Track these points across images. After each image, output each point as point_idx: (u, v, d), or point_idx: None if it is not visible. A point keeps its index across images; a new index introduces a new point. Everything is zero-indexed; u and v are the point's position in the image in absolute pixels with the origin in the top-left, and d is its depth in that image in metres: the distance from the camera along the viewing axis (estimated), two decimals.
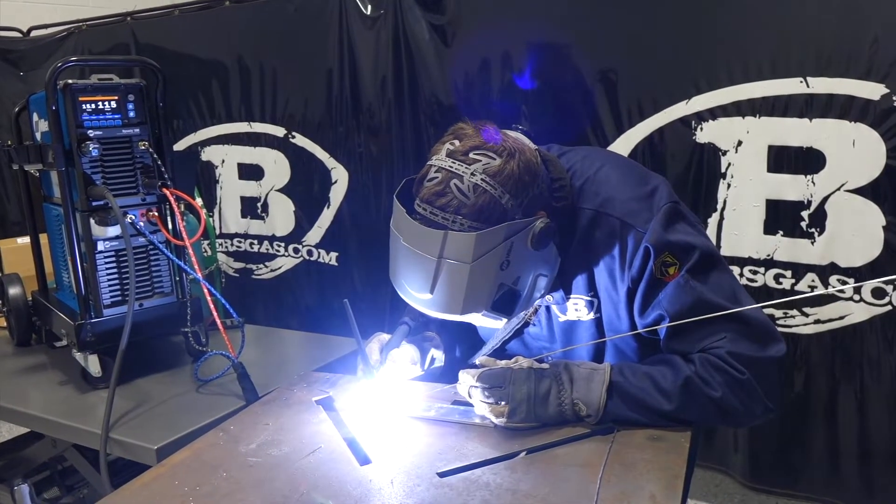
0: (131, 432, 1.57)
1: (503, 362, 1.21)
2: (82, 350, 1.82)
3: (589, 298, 1.29)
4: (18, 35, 3.52)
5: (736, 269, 2.20)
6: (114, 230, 1.75)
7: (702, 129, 2.18)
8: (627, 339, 1.27)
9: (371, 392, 1.30)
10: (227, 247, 3.28)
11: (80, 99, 1.74)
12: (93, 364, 1.83)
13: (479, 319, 1.20)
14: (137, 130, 1.81)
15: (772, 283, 2.16)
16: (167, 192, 1.78)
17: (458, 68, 2.57)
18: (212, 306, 1.75)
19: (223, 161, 3.17)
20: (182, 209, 2.48)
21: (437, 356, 1.47)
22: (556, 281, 1.27)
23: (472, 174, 1.11)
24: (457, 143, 1.15)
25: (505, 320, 1.22)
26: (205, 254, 2.90)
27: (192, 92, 3.16)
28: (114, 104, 1.77)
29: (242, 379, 1.74)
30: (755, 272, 2.18)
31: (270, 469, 1.06)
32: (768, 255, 2.15)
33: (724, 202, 2.19)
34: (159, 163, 1.80)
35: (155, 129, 1.84)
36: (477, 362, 1.23)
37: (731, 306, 1.14)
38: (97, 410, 1.63)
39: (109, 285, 1.81)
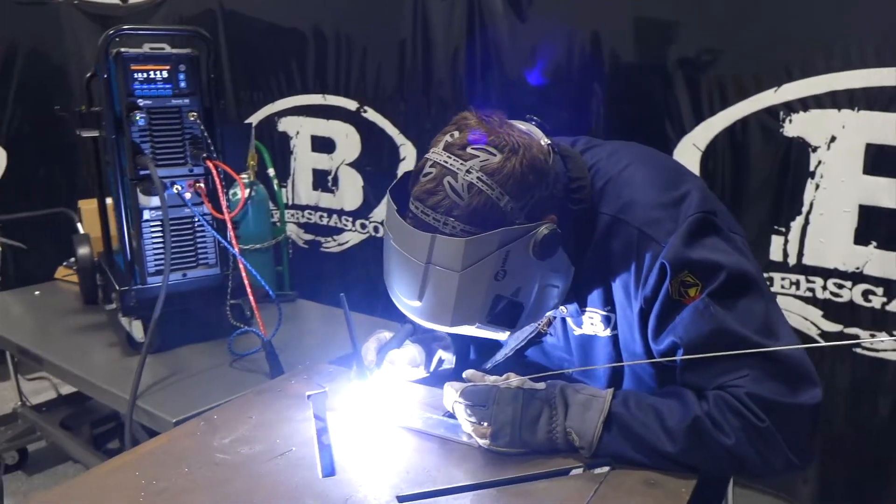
0: (157, 402, 1.59)
1: (492, 378, 1.10)
2: (126, 315, 1.86)
3: (605, 313, 1.16)
4: (118, 2, 3.65)
5: (818, 282, 1.98)
6: (158, 200, 1.77)
7: (791, 121, 1.95)
8: (644, 363, 1.13)
9: (362, 395, 1.23)
10: (298, 218, 3.30)
11: (132, 68, 1.75)
12: (136, 329, 1.87)
13: (476, 332, 1.09)
14: (187, 101, 1.80)
15: (859, 300, 1.93)
16: (210, 164, 1.78)
17: (530, 44, 2.43)
18: (246, 282, 1.74)
19: (297, 133, 3.17)
20: (248, 181, 2.51)
21: (447, 357, 1.37)
22: (570, 292, 1.15)
23: (467, 171, 1.00)
24: (457, 134, 1.04)
25: (507, 333, 1.11)
26: (277, 224, 2.94)
27: (271, 62, 3.17)
28: (165, 74, 1.78)
29: (270, 357, 1.72)
30: (840, 286, 1.95)
31: (233, 469, 1.02)
32: (857, 269, 1.92)
33: (811, 205, 1.96)
34: (206, 134, 1.79)
35: (205, 100, 1.84)
36: (464, 375, 1.13)
37: (759, 340, 0.99)
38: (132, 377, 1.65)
39: (155, 253, 1.84)
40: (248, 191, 2.48)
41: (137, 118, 1.73)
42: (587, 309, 1.18)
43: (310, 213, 3.26)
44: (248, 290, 1.74)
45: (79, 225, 2.67)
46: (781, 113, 1.96)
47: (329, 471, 1.01)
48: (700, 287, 1.01)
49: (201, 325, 1.93)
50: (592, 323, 1.19)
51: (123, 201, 1.81)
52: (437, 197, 1.00)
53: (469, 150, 1.01)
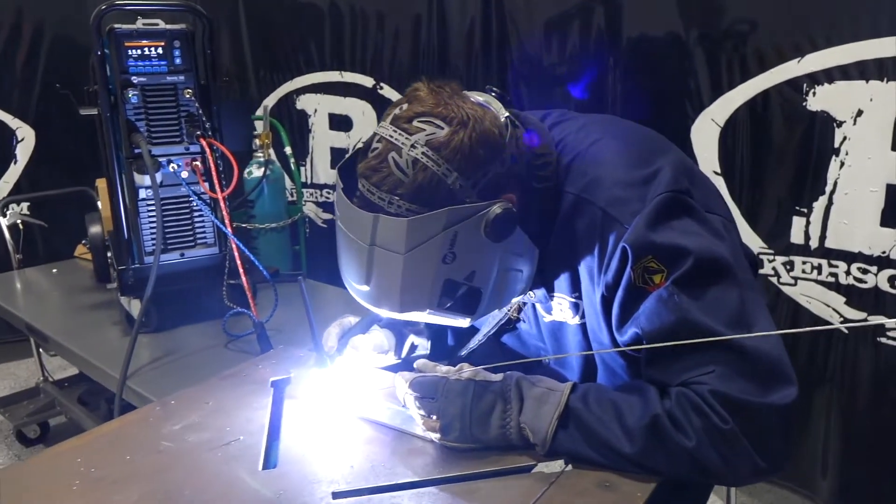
0: (146, 383, 1.59)
1: (444, 368, 1.04)
2: (124, 294, 1.87)
3: (573, 300, 1.09)
4: None
5: (842, 267, 1.86)
6: (149, 178, 1.75)
7: (814, 93, 1.82)
8: (614, 354, 1.06)
9: (321, 383, 1.18)
10: (316, 197, 3.28)
11: (126, 44, 1.73)
12: (135, 308, 1.86)
13: (430, 318, 1.03)
14: (182, 78, 1.78)
15: (885, 287, 1.80)
16: (203, 142, 1.75)
17: (545, 17, 2.34)
18: (238, 262, 1.72)
19: (315, 111, 3.14)
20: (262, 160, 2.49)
21: (420, 343, 1.31)
22: (536, 277, 1.08)
23: (412, 146, 0.94)
24: (405, 106, 0.97)
25: (467, 321, 1.04)
26: (295, 203, 2.92)
27: (290, 40, 3.14)
28: (160, 50, 1.75)
29: (261, 340, 1.70)
30: (865, 271, 1.83)
31: (175, 458, 0.99)
32: (883, 252, 1.79)
33: (835, 184, 1.84)
34: (201, 112, 1.77)
35: (201, 77, 1.81)
36: (415, 365, 1.07)
37: (728, 333, 0.90)
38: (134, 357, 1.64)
39: (151, 233, 1.82)
40: (263, 170, 2.48)
41: (131, 95, 1.72)
42: (555, 294, 1.11)
43: (328, 192, 3.24)
44: (241, 270, 1.72)
45: (98, 203, 2.70)
46: (805, 85, 1.84)
47: (271, 463, 0.97)
48: (665, 274, 0.93)
49: (201, 305, 1.92)
50: (561, 309, 1.12)
51: (119, 180, 1.80)
52: (381, 174, 0.94)
53: (415, 123, 0.95)
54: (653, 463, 0.92)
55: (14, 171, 3.45)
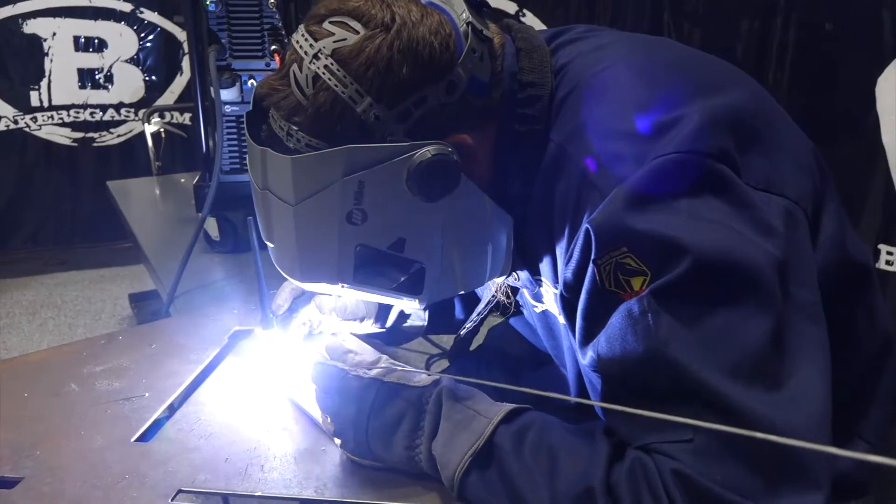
0: (185, 306, 1.54)
1: (357, 358, 0.81)
2: (199, 211, 1.83)
3: (557, 291, 0.80)
4: None
5: None
6: (228, 93, 1.67)
7: None
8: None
9: (261, 349, 1.01)
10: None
11: None
12: (211, 227, 1.84)
13: (365, 296, 0.81)
14: None
15: None
16: (278, 60, 1.63)
17: None
18: None
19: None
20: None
21: (413, 311, 1.05)
22: (516, 254, 0.82)
23: (314, 57, 0.70)
24: (329, 2, 0.73)
25: (416, 303, 0.80)
26: None
27: None
28: None
29: None
30: None
31: (65, 406, 0.88)
32: None
33: None
34: (281, 25, 1.65)
35: None
36: (325, 346, 0.85)
37: (727, 389, 0.59)
38: (197, 275, 1.60)
39: (229, 151, 1.77)
40: None
41: (208, 2, 1.63)
42: (542, 279, 0.84)
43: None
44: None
45: None
46: None
47: (147, 436, 0.84)
48: (648, 278, 0.63)
49: None
50: (552, 299, 0.84)
51: (200, 93, 1.74)
52: (279, 94, 0.73)
53: (326, 24, 0.72)
54: None
55: (179, 82, 3.63)
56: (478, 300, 0.99)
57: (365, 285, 0.78)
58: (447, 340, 1.14)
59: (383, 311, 1.02)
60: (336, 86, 0.70)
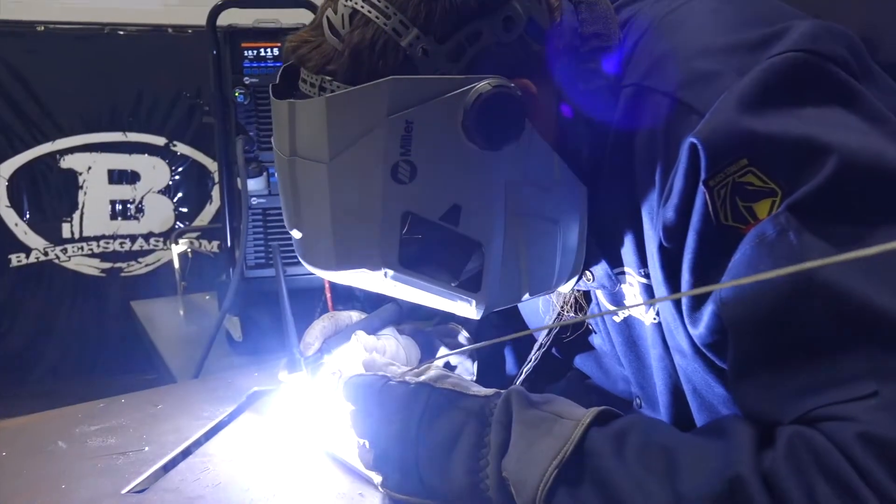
0: None
1: (404, 369, 0.67)
2: (220, 308, 1.74)
3: (643, 280, 0.66)
4: None
5: None
6: (254, 183, 1.63)
7: None
8: (708, 379, 0.61)
9: (288, 395, 0.87)
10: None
11: (242, 45, 1.66)
12: (233, 327, 1.73)
13: (410, 294, 0.67)
14: None
15: None
16: None
17: None
18: (326, 287, 1.52)
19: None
20: None
21: (460, 363, 0.91)
22: (590, 239, 0.69)
23: None
24: None
25: (472, 306, 0.65)
26: None
27: None
28: (276, 52, 1.66)
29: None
30: None
31: (51, 462, 0.75)
32: None
33: None
34: None
35: None
36: (362, 363, 0.71)
37: None
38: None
39: (255, 244, 1.70)
40: None
41: (237, 94, 1.63)
42: (624, 270, 0.69)
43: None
44: (328, 295, 1.51)
45: None
46: None
47: (140, 487, 0.69)
48: (778, 196, 0.50)
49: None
50: (635, 295, 0.70)
51: (227, 185, 1.71)
52: (311, 44, 0.64)
53: None
54: None
55: (209, 211, 3.67)
56: (532, 344, 0.84)
57: (414, 272, 0.64)
58: None
59: (427, 355, 0.87)
60: (377, 17, 0.61)
